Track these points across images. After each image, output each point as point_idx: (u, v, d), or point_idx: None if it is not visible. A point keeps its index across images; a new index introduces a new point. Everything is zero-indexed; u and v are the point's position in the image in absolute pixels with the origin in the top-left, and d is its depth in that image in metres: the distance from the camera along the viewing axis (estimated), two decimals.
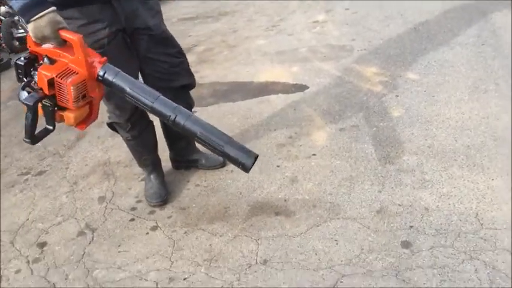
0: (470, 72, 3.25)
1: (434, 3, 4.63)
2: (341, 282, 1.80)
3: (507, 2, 4.32)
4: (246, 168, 1.51)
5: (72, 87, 1.49)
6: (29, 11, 1.49)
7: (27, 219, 2.44)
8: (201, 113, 3.26)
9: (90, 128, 3.30)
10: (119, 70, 1.55)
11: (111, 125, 2.31)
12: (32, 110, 1.53)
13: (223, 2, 5.84)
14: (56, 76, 1.48)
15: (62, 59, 1.52)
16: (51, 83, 1.49)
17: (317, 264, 1.90)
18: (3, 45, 5.23)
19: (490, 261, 1.79)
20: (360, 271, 1.84)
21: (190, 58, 4.06)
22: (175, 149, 2.59)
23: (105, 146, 3.04)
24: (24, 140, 1.62)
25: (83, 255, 2.13)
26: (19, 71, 1.56)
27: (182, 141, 2.52)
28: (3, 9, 5.69)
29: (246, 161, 1.50)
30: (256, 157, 1.52)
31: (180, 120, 1.49)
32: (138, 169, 2.65)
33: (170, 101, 1.52)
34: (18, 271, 2.09)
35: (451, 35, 3.90)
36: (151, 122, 2.37)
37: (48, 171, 2.85)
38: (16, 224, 2.41)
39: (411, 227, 2.02)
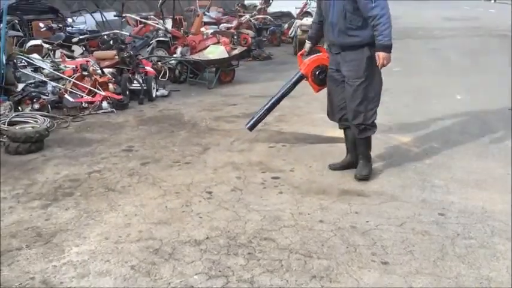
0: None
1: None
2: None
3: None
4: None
5: None
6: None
7: (192, 181, 3.76)
8: (289, 148, 4.65)
9: (212, 146, 4.69)
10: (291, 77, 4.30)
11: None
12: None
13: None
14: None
15: None
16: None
17: None
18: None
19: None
20: None
21: (270, 119, 5.59)
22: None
23: (226, 155, 4.41)
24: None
25: (239, 199, 3.43)
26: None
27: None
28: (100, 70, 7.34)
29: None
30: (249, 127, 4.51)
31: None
32: (258, 166, 4.03)
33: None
34: (199, 202, 3.38)
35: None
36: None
37: (192, 163, 4.20)
38: (185, 182, 3.73)
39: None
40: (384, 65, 3.64)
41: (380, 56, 3.60)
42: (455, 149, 4.61)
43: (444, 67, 9.09)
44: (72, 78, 6.31)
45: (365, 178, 3.83)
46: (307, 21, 11.13)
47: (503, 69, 8.52)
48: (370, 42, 3.67)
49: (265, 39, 12.49)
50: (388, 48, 3.60)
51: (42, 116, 5.30)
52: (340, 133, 4.91)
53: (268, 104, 4.51)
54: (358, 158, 3.94)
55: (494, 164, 4.22)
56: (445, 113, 5.79)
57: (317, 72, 4.16)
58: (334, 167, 4.07)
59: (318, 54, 4.25)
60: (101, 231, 2.95)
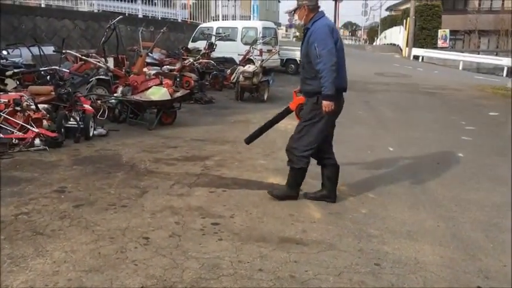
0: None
1: None
2: None
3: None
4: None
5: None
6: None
7: (128, 226, 3.61)
8: (230, 193, 4.63)
9: (150, 189, 4.58)
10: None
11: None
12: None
13: (224, 135, 7.51)
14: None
15: None
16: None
17: None
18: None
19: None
20: None
21: (211, 163, 5.57)
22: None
23: (165, 199, 4.31)
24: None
25: (177, 246, 3.32)
26: None
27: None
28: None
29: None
30: (246, 141, 5.09)
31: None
32: (198, 212, 3.95)
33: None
34: (135, 248, 3.25)
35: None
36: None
37: (129, 207, 4.05)
38: (121, 227, 3.57)
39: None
40: (327, 112, 4.18)
41: (323, 104, 4.17)
42: (388, 199, 4.78)
43: (377, 120, 9.56)
44: (3, 113, 6.00)
45: (272, 196, 4.49)
46: (249, 68, 11.40)
47: (432, 125, 9.10)
48: (321, 91, 4.16)
49: (207, 83, 12.62)
50: (329, 97, 4.12)
51: None
52: (280, 180, 5.01)
53: (262, 125, 5.12)
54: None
55: (425, 216, 4.41)
56: (379, 164, 6.03)
57: (300, 109, 4.71)
58: (309, 196, 4.56)
59: None
60: (25, 279, 2.74)
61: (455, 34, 35.69)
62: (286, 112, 4.93)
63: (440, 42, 32.01)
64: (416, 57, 29.80)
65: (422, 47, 30.84)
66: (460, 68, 26.61)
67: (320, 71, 4.08)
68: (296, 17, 4.44)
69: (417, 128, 8.72)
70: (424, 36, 32.17)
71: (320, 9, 4.35)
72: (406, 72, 21.03)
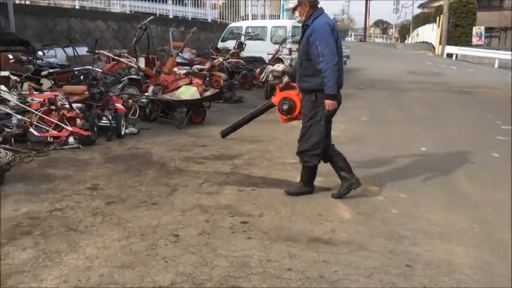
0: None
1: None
2: None
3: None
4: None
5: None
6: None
7: (158, 223, 3.66)
8: (259, 192, 4.63)
9: (180, 187, 4.61)
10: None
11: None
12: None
13: (253, 133, 7.51)
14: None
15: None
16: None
17: None
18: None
19: None
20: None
21: (240, 162, 5.57)
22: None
23: (195, 197, 4.35)
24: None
25: (206, 243, 3.35)
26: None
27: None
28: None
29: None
30: (221, 134, 5.31)
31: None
32: (227, 210, 3.97)
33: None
34: (165, 245, 3.29)
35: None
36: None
37: (159, 204, 4.11)
38: (151, 224, 3.63)
39: None
40: (329, 111, 4.26)
41: (326, 103, 4.23)
42: (420, 199, 4.68)
43: (409, 119, 9.38)
44: (39, 112, 6.18)
45: (288, 193, 4.53)
46: (279, 67, 11.38)
47: (466, 125, 8.88)
48: (319, 88, 4.22)
49: (237, 82, 12.66)
50: (331, 97, 4.20)
51: (4, 149, 5.12)
52: None
53: (240, 121, 5.20)
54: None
55: (458, 217, 4.30)
56: (410, 164, 5.92)
57: (283, 103, 4.73)
58: (335, 196, 4.51)
59: (291, 90, 4.80)
60: (59, 274, 2.81)
61: (490, 31, 34.77)
62: (268, 107, 4.99)
63: (475, 40, 31.22)
64: (449, 56, 29.14)
65: (456, 44, 30.13)
66: (496, 66, 25.84)
67: (322, 70, 4.12)
68: (297, 13, 4.36)
69: (451, 128, 8.52)
70: (458, 34, 31.45)
71: (319, 6, 4.33)
72: (439, 70, 20.59)
